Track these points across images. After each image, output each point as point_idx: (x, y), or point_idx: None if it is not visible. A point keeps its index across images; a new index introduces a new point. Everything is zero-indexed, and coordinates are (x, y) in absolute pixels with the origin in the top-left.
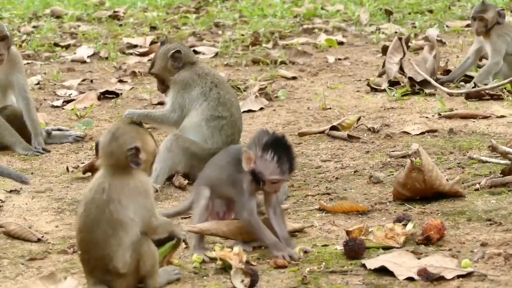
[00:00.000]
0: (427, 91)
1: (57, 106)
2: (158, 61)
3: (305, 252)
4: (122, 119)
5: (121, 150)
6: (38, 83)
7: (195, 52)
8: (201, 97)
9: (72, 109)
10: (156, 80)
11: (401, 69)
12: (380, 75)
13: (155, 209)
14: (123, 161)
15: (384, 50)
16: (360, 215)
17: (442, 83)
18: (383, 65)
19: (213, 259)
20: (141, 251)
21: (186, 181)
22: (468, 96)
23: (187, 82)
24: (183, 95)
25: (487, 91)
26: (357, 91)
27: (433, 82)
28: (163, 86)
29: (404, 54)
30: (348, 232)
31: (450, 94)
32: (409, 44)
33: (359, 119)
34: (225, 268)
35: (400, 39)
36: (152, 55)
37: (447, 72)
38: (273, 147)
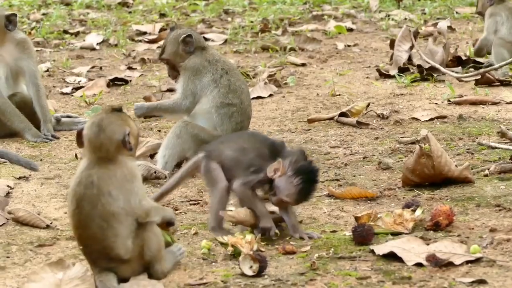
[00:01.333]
0: (435, 75)
1: (66, 93)
2: (168, 47)
3: (310, 238)
4: (104, 108)
5: (110, 141)
6: (47, 70)
7: (205, 39)
8: (212, 84)
9: (81, 96)
10: (166, 66)
11: (409, 60)
12: (391, 64)
13: (144, 193)
14: (112, 151)
15: (392, 43)
16: (369, 201)
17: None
18: (391, 58)
19: (223, 245)
20: (144, 236)
21: None
22: (478, 82)
23: (197, 68)
24: (194, 81)
25: (497, 78)
26: (367, 77)
27: (441, 68)
28: (174, 72)
29: (413, 46)
30: (356, 218)
31: (460, 80)
32: (419, 31)
33: (368, 105)
34: (235, 254)
35: (409, 30)
36: (161, 42)
37: (457, 58)
38: (304, 176)
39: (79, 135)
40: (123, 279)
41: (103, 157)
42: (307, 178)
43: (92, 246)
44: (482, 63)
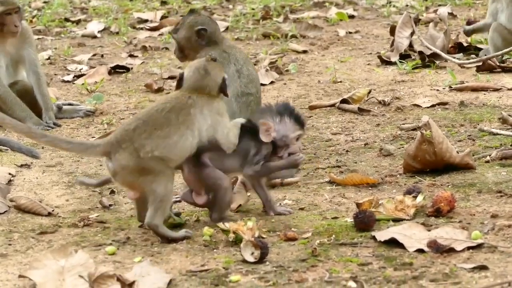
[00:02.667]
0: (437, 62)
1: (67, 81)
2: (182, 30)
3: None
4: (204, 58)
5: (215, 83)
6: (48, 58)
7: None
8: (235, 74)
9: (83, 84)
10: (175, 43)
11: (410, 46)
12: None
13: (231, 125)
14: (213, 92)
15: (392, 30)
16: (370, 188)
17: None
18: (392, 44)
19: (225, 232)
20: (161, 176)
21: None
22: (479, 69)
23: (218, 60)
24: None
25: (498, 64)
26: (368, 64)
27: (443, 54)
28: (181, 53)
29: (413, 32)
30: (358, 205)
31: (461, 66)
32: (419, 18)
33: (369, 92)
34: (236, 241)
35: (410, 17)
36: (162, 30)
37: (458, 44)
38: (285, 110)
39: (180, 79)
40: None
41: (204, 95)
42: (288, 110)
43: (139, 122)
44: (481, 49)
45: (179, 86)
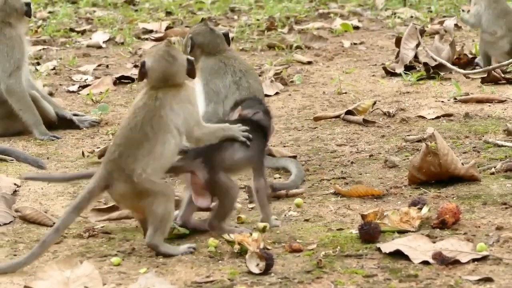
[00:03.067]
0: (442, 73)
1: (72, 91)
2: (184, 39)
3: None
4: (162, 44)
5: (183, 68)
6: (53, 69)
7: None
8: (233, 86)
9: (88, 94)
10: None
11: (415, 58)
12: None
13: (199, 118)
14: (182, 78)
15: (397, 42)
16: (375, 199)
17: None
18: (397, 56)
19: (230, 243)
20: (159, 196)
21: None
22: (484, 80)
23: (213, 69)
24: (214, 81)
25: (503, 76)
26: (373, 75)
27: (448, 65)
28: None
29: (419, 44)
30: (363, 216)
31: (467, 76)
32: (425, 29)
33: (374, 103)
34: (241, 252)
35: (415, 28)
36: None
37: (464, 56)
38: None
39: (144, 68)
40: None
41: (171, 84)
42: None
43: (121, 148)
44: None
45: (142, 76)
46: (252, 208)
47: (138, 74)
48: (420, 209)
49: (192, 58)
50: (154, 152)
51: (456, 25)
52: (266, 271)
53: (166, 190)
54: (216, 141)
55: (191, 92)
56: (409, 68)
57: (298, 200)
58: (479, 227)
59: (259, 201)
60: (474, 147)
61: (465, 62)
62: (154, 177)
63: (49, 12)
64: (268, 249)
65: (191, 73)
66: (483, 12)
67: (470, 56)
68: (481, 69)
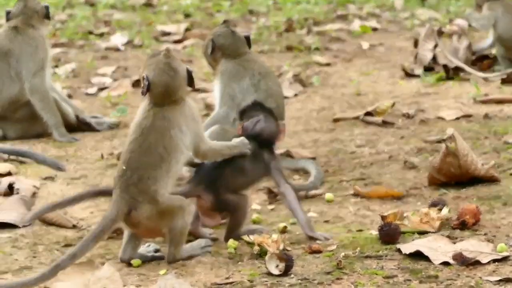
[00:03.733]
0: (461, 74)
1: (91, 94)
2: (205, 41)
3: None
4: (160, 53)
5: (184, 81)
6: (72, 71)
7: None
8: (251, 89)
9: (106, 97)
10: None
11: (434, 59)
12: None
13: (204, 134)
14: (183, 91)
15: (415, 43)
16: (395, 200)
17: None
18: (416, 56)
19: (249, 244)
20: (177, 212)
21: None
22: (504, 81)
23: (232, 72)
24: (232, 85)
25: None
26: (392, 77)
27: (467, 68)
28: (210, 65)
29: (437, 44)
30: (383, 217)
31: (486, 79)
32: (443, 30)
33: (393, 104)
34: (261, 254)
35: (432, 29)
36: (186, 42)
37: (483, 57)
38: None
39: (148, 82)
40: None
41: (173, 99)
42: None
43: (139, 171)
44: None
45: (146, 90)
46: (272, 209)
47: (144, 87)
48: (440, 210)
49: (191, 69)
50: (170, 171)
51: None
52: (285, 272)
53: (183, 203)
54: (222, 158)
55: (193, 108)
56: (428, 69)
57: (329, 195)
58: (500, 227)
59: (290, 206)
60: (494, 147)
61: (486, 65)
62: (170, 194)
63: (68, 15)
64: (287, 250)
65: (191, 84)
66: (500, 17)
67: (490, 56)
68: (500, 72)
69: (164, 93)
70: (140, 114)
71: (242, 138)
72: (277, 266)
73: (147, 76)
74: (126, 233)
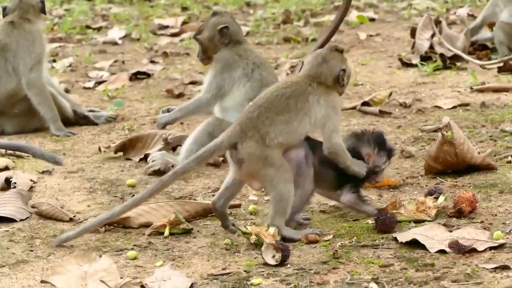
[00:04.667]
0: (458, 64)
1: (89, 88)
2: (206, 32)
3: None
4: (328, 47)
5: (331, 72)
6: (70, 65)
7: None
8: (243, 78)
9: (104, 91)
10: (199, 47)
11: (431, 48)
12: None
13: (339, 129)
14: (329, 81)
15: (413, 32)
16: (391, 189)
17: None
18: (413, 46)
19: (246, 234)
20: (281, 169)
21: (221, 158)
22: (500, 70)
23: (227, 62)
24: (223, 75)
25: None
26: (389, 66)
27: (465, 56)
28: (204, 55)
29: (434, 34)
30: (380, 210)
31: (483, 67)
32: (440, 20)
33: (390, 94)
34: (257, 244)
35: (430, 18)
36: (183, 35)
37: (482, 46)
38: (381, 141)
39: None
40: None
41: (321, 84)
42: (384, 140)
43: (260, 109)
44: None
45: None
46: (268, 200)
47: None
48: (437, 198)
49: (348, 69)
50: (290, 125)
51: (470, 15)
52: (282, 263)
53: (288, 169)
54: (342, 163)
55: (338, 101)
56: (425, 58)
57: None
58: (496, 215)
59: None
60: (491, 136)
61: (484, 54)
62: (280, 150)
63: (65, 10)
64: (284, 240)
65: (338, 81)
66: (504, 8)
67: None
68: (497, 60)
69: (312, 76)
70: (292, 76)
71: (362, 162)
72: (273, 256)
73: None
74: (226, 180)
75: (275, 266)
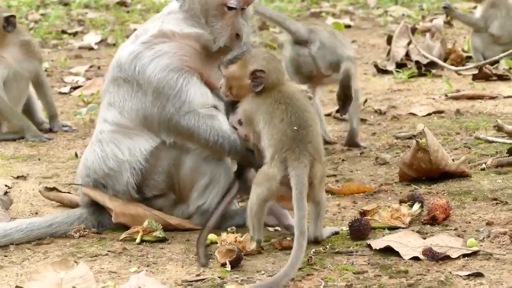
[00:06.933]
0: (433, 71)
1: (64, 93)
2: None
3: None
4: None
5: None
6: (45, 70)
7: None
8: None
9: (80, 96)
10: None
11: (407, 55)
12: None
13: None
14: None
15: (389, 40)
16: (366, 196)
17: None
18: (388, 53)
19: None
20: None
21: None
22: (475, 77)
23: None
24: None
25: (493, 72)
26: (364, 73)
27: (439, 62)
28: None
29: (410, 41)
30: (361, 213)
31: (458, 73)
32: (416, 27)
33: (365, 101)
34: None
35: (407, 26)
36: None
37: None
38: None
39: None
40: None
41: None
42: None
43: (308, 129)
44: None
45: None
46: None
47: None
48: (412, 205)
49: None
50: (318, 135)
51: (447, 22)
52: (234, 266)
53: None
54: None
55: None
56: (400, 65)
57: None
58: (470, 222)
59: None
60: (465, 143)
61: (459, 60)
62: None
63: (41, 14)
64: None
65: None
66: (499, 17)
67: (464, 54)
68: (471, 65)
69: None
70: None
71: None
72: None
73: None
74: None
75: (250, 272)
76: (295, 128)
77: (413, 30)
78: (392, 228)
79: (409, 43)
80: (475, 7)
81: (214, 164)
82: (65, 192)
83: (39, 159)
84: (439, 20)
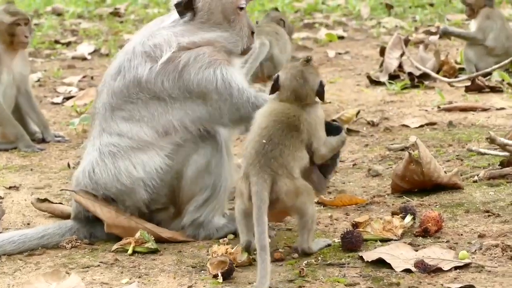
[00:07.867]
0: (426, 82)
1: (57, 103)
2: None
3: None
4: (300, 61)
5: (312, 90)
6: (38, 80)
7: None
8: None
9: (72, 106)
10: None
11: (400, 67)
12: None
13: (324, 138)
14: (312, 98)
15: (382, 50)
16: (358, 208)
17: None
18: (381, 65)
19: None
20: (309, 193)
21: None
22: (468, 89)
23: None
24: None
25: (486, 84)
26: (357, 85)
27: (432, 73)
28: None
29: (403, 53)
30: (353, 225)
31: (451, 85)
32: (409, 39)
33: (358, 112)
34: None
35: (400, 38)
36: None
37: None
38: None
39: (276, 82)
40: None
41: (302, 102)
42: None
43: (279, 146)
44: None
45: (274, 90)
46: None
47: (271, 86)
48: (403, 217)
49: (325, 82)
50: (299, 151)
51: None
52: (225, 278)
53: (311, 189)
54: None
55: (320, 114)
56: (393, 77)
57: None
58: (462, 235)
59: None
60: (458, 155)
61: (452, 72)
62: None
63: (35, 24)
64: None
65: (320, 96)
66: (495, 29)
67: (456, 66)
68: (464, 77)
69: (291, 96)
70: (269, 108)
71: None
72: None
73: (278, 77)
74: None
75: (243, 284)
76: (264, 141)
77: (406, 42)
78: (384, 240)
79: (402, 55)
80: (467, 19)
81: (215, 175)
82: (56, 203)
83: (31, 170)
84: (434, 38)
